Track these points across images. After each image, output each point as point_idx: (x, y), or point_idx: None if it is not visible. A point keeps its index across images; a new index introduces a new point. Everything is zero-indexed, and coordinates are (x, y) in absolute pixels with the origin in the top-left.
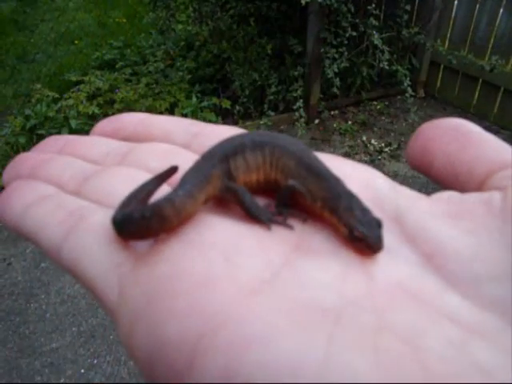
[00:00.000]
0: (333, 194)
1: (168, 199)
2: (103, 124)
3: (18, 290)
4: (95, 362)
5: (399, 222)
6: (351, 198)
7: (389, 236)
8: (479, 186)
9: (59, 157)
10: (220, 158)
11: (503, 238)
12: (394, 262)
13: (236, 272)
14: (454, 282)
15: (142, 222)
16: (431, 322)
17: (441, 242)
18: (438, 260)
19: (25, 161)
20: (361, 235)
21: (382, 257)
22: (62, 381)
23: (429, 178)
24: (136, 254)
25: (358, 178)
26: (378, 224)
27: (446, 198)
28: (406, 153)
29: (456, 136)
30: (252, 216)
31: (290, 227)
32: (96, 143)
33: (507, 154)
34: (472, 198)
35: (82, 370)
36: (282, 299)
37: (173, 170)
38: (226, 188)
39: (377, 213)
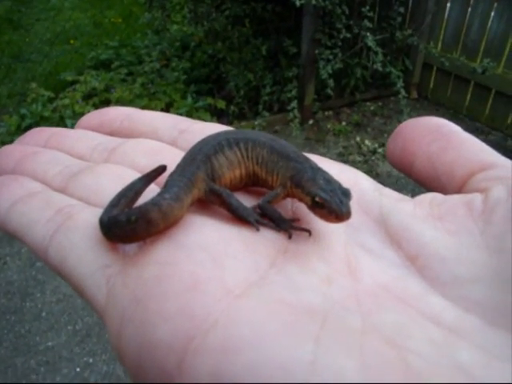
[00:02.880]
0: (298, 170)
1: (155, 203)
2: (89, 117)
3: (13, 289)
4: (91, 360)
5: (384, 223)
6: (316, 170)
7: (373, 238)
8: (460, 187)
9: (45, 151)
10: (202, 158)
11: (484, 240)
12: (378, 264)
13: (224, 275)
14: (436, 283)
15: (128, 225)
16: (415, 323)
17: (424, 243)
18: (421, 262)
19: (9, 154)
20: (321, 200)
21: (367, 259)
22: (57, 379)
23: (410, 178)
24: (124, 255)
25: (344, 180)
26: (344, 192)
27: (428, 199)
28: (386, 151)
29: (436, 136)
30: (239, 217)
31: (278, 229)
32: (82, 137)
33: (487, 154)
34: (454, 199)
35: (78, 369)
36: (269, 302)
37: (161, 169)
38: (210, 190)
39: (361, 215)
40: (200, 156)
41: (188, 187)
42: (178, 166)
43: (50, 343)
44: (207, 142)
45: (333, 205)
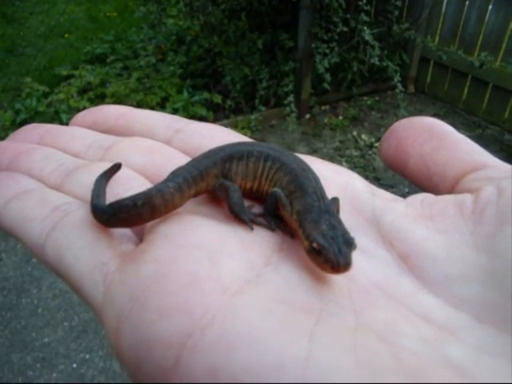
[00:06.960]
0: (306, 208)
1: (158, 189)
2: (84, 115)
3: (9, 285)
4: (87, 356)
5: (376, 223)
6: (324, 212)
7: (366, 237)
8: (452, 187)
9: (39, 148)
10: (224, 157)
11: (473, 239)
12: (371, 263)
13: (220, 273)
14: (427, 281)
15: (135, 209)
16: (406, 320)
17: (415, 243)
18: (413, 260)
19: (4, 150)
20: (319, 247)
21: (360, 258)
22: (54, 376)
23: (403, 177)
24: (121, 253)
25: (336, 181)
26: (346, 241)
27: (420, 200)
28: (380, 151)
29: (430, 137)
30: (234, 214)
31: (271, 228)
32: (77, 134)
33: (478, 155)
34: (445, 200)
35: (75, 365)
36: (264, 300)
37: (116, 167)
38: (219, 185)
39: (354, 215)
40: (223, 154)
41: (194, 180)
42: (202, 154)
43: (46, 339)
44: (240, 145)
45: (330, 253)
